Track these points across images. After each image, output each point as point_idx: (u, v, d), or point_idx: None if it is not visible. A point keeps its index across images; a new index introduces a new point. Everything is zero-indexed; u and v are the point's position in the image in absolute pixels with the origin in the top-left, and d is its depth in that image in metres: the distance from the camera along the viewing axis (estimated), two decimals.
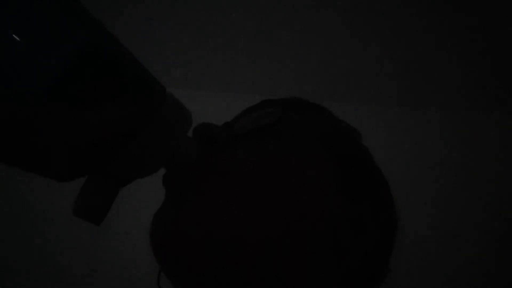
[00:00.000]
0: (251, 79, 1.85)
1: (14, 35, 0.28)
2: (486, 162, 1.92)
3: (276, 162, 0.41)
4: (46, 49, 0.29)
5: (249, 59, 1.77)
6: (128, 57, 0.34)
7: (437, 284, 1.75)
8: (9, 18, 0.28)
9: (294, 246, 0.39)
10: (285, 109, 0.44)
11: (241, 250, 0.38)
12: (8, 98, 0.28)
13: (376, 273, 0.43)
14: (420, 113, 1.96)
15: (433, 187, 1.88)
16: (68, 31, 0.29)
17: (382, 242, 0.43)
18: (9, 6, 0.28)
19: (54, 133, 0.30)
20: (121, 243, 1.78)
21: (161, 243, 0.40)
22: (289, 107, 0.45)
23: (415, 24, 1.61)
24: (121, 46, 0.34)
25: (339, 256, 0.40)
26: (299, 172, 0.41)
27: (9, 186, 1.83)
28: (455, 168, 1.92)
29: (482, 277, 1.75)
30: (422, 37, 1.66)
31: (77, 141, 0.31)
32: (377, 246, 0.42)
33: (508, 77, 1.78)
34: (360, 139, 0.47)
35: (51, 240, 1.79)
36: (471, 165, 1.92)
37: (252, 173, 0.40)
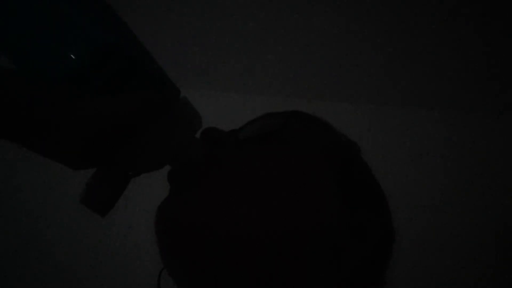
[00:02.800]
0: (254, 79, 1.86)
1: (46, 30, 0.33)
2: (486, 163, 1.92)
3: (278, 165, 0.42)
4: (71, 44, 0.33)
5: (252, 59, 1.77)
6: (146, 58, 0.37)
7: None
8: (45, 15, 0.33)
9: (293, 247, 0.39)
10: (288, 119, 0.45)
11: (240, 246, 0.38)
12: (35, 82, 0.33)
13: (374, 280, 0.44)
14: (420, 113, 1.97)
15: (433, 187, 1.88)
16: (91, 31, 0.33)
17: (380, 250, 0.44)
18: (45, 5, 0.33)
19: (69, 120, 0.33)
20: (123, 241, 1.78)
21: (164, 232, 0.41)
22: (292, 118, 0.46)
23: (415, 24, 1.61)
24: (140, 48, 0.37)
25: (338, 259, 0.40)
26: (300, 176, 0.41)
27: (11, 182, 1.83)
28: (455, 168, 1.92)
29: (481, 282, 1.75)
30: (422, 37, 1.66)
31: (89, 128, 0.33)
32: (375, 253, 0.43)
33: (508, 77, 1.79)
34: (359, 152, 0.48)
35: (51, 236, 1.80)
36: (471, 166, 1.92)
37: (255, 174, 0.41)
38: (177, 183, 0.41)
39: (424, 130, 1.96)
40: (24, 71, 0.33)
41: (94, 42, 0.33)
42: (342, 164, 0.44)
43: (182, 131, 0.39)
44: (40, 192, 1.84)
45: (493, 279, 1.75)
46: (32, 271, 1.75)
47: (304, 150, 0.43)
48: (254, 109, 1.92)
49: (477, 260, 1.78)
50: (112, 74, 0.34)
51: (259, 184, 0.40)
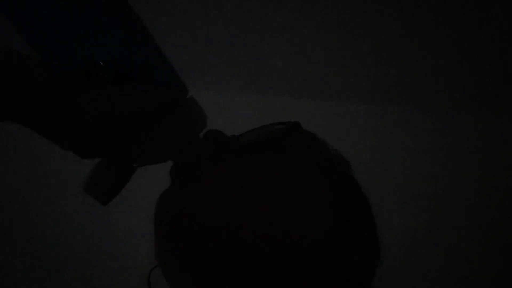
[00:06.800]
0: (254, 79, 1.86)
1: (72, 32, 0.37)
2: (486, 162, 1.93)
3: (277, 171, 0.43)
4: (86, 45, 0.37)
5: (252, 59, 1.77)
6: (156, 61, 0.40)
7: None
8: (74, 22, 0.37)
9: (288, 251, 0.40)
10: (288, 130, 0.46)
11: (235, 246, 0.39)
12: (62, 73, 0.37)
13: (364, 286, 0.45)
14: (420, 113, 1.97)
15: (432, 186, 1.89)
16: (107, 39, 0.38)
17: (370, 258, 0.45)
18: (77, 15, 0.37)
19: (82, 110, 0.35)
20: (115, 240, 1.78)
21: (162, 220, 0.42)
22: (292, 129, 0.47)
23: (415, 24, 1.61)
24: (152, 52, 0.40)
25: (331, 265, 0.41)
26: (297, 183, 0.43)
27: (9, 182, 1.83)
28: (455, 168, 1.92)
29: (481, 282, 1.75)
30: (422, 37, 1.66)
31: (100, 119, 0.36)
32: (366, 260, 0.44)
33: (508, 77, 1.79)
34: (350, 168, 0.49)
35: (48, 232, 1.80)
36: (471, 165, 1.92)
37: (254, 177, 0.42)
38: (178, 178, 0.43)
39: (423, 130, 1.96)
40: (45, 61, 0.37)
41: (106, 51, 0.37)
42: (336, 178, 0.45)
43: (187, 129, 0.40)
44: (38, 189, 1.85)
45: (493, 279, 1.75)
46: (30, 267, 1.76)
47: (301, 160, 0.44)
48: (254, 109, 1.92)
49: (476, 260, 1.78)
50: (120, 76, 0.37)
51: (257, 188, 0.41)
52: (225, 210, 0.40)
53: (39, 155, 1.83)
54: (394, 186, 1.84)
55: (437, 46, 1.70)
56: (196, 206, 0.40)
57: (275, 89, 1.87)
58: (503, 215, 1.83)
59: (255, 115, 1.83)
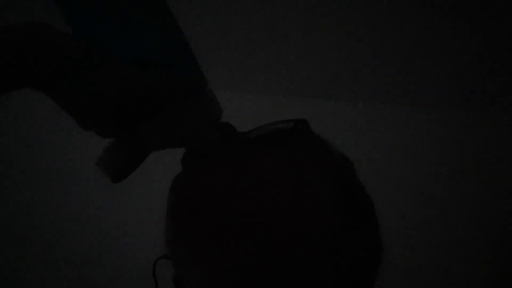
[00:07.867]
0: (255, 79, 1.86)
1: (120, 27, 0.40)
2: (486, 162, 1.93)
3: (283, 166, 0.44)
4: (120, 40, 0.40)
5: (253, 59, 1.78)
6: (181, 52, 0.42)
7: None
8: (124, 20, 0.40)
9: (291, 244, 0.41)
10: (295, 126, 0.47)
11: (240, 234, 0.41)
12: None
13: (366, 283, 0.45)
14: (421, 113, 1.97)
15: (432, 186, 1.89)
16: (143, 36, 0.40)
17: (373, 259, 0.45)
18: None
19: (105, 86, 0.37)
20: (119, 232, 1.79)
21: (173, 201, 0.44)
22: (298, 126, 0.48)
23: (415, 24, 1.62)
24: (179, 42, 0.42)
25: (334, 258, 0.42)
26: (302, 177, 0.44)
27: (9, 184, 1.84)
28: (455, 167, 1.93)
29: (480, 282, 1.75)
30: (422, 37, 1.67)
31: (121, 96, 0.38)
32: (369, 262, 0.45)
33: (508, 77, 1.79)
34: (353, 168, 0.50)
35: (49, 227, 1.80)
36: (471, 165, 1.93)
37: (260, 170, 0.43)
38: (189, 164, 0.44)
39: (424, 130, 1.96)
40: (78, 36, 0.39)
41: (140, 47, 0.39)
42: (340, 177, 0.46)
43: (202, 117, 0.42)
44: (42, 181, 1.85)
45: (493, 279, 1.76)
46: (30, 263, 1.76)
47: (307, 158, 0.45)
48: (256, 110, 1.93)
49: (476, 260, 1.78)
50: (146, 62, 0.40)
51: (263, 182, 0.42)
52: (231, 200, 0.41)
53: (38, 150, 1.84)
54: (394, 186, 1.84)
55: (437, 46, 1.70)
56: (204, 194, 0.41)
57: (276, 89, 1.87)
58: (503, 215, 1.84)
59: (257, 115, 1.84)
